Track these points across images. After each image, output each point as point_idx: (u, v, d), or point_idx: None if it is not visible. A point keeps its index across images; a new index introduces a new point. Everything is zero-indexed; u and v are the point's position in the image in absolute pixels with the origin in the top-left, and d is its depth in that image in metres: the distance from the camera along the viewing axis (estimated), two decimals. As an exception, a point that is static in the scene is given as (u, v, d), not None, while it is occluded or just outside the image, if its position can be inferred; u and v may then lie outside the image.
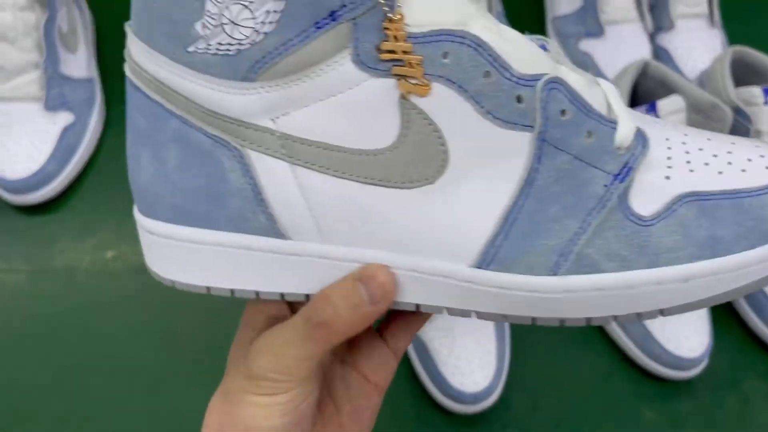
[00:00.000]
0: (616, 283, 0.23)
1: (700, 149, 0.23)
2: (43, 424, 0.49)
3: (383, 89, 0.21)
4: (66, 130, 0.58)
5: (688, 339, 0.50)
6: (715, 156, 0.23)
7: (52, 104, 0.57)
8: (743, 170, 0.23)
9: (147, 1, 0.21)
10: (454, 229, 0.23)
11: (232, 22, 0.20)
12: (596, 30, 0.64)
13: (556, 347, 0.53)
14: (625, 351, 0.52)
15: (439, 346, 0.49)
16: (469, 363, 0.48)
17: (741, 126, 0.49)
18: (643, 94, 0.53)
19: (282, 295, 0.24)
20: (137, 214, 0.26)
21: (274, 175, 0.22)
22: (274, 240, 0.23)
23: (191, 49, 0.21)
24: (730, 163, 0.23)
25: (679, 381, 0.51)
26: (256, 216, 0.23)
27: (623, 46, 0.64)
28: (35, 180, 0.55)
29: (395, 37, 0.20)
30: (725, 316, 0.54)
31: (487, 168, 0.22)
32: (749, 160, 0.23)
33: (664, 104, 0.48)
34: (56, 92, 0.58)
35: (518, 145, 0.22)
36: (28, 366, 0.51)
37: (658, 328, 0.50)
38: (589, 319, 0.23)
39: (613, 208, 0.22)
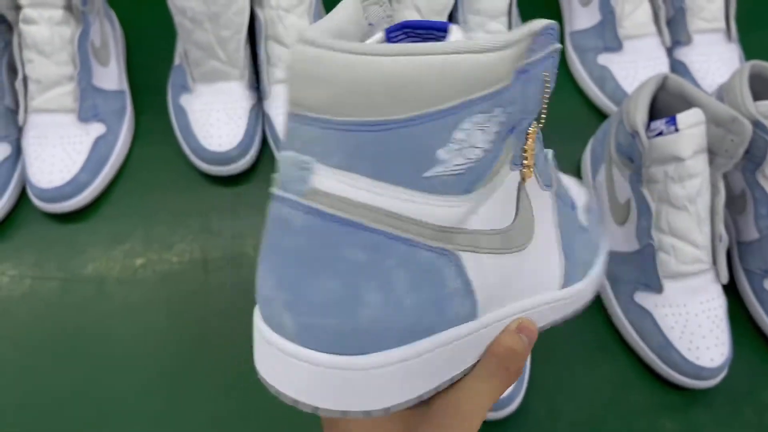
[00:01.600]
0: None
1: None
2: (72, 426, 0.50)
3: (516, 180, 0.26)
4: (98, 141, 0.59)
5: (708, 349, 0.50)
6: None
7: (85, 116, 0.59)
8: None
9: (382, 136, 0.21)
10: (546, 269, 0.30)
11: (472, 145, 0.22)
12: (615, 44, 0.65)
13: (576, 356, 0.53)
14: (644, 360, 0.53)
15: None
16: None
17: (760, 139, 0.50)
18: (662, 107, 0.54)
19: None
20: (322, 355, 0.24)
21: (473, 268, 0.24)
22: (473, 322, 0.25)
23: (428, 174, 0.22)
24: None
25: (698, 391, 0.52)
26: (465, 308, 0.25)
27: (641, 60, 0.65)
28: (68, 189, 0.57)
29: (531, 139, 0.26)
30: (745, 327, 0.55)
31: (543, 223, 0.29)
32: None
33: (683, 117, 0.49)
34: (89, 104, 0.59)
35: (550, 200, 0.30)
36: (59, 371, 0.52)
37: (677, 337, 0.51)
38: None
39: (581, 228, 0.33)
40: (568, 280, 0.31)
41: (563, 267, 0.30)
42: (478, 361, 0.27)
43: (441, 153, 0.22)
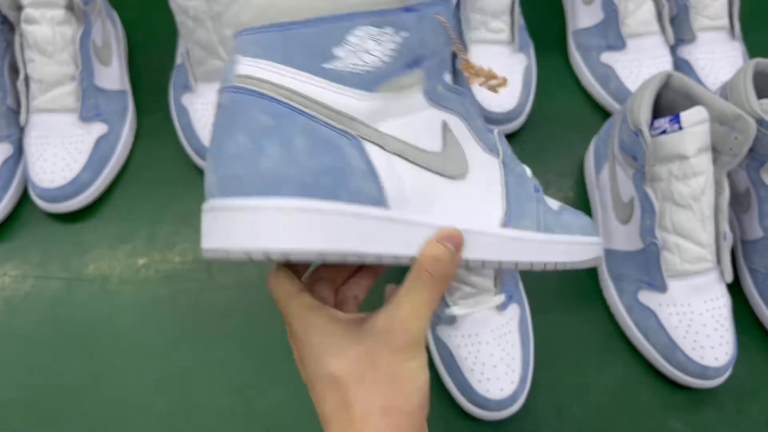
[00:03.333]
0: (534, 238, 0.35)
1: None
2: (78, 425, 0.50)
3: (436, 117, 0.33)
4: (100, 141, 0.59)
5: (712, 348, 0.50)
6: None
7: (86, 115, 0.59)
8: None
9: (287, 33, 0.29)
10: (484, 204, 0.34)
11: (367, 51, 0.29)
12: (618, 43, 0.65)
13: (580, 355, 0.53)
14: (649, 360, 0.53)
15: (465, 353, 0.49)
16: (494, 369, 0.49)
17: (764, 137, 0.50)
18: (666, 105, 0.54)
19: (380, 257, 0.30)
20: (235, 199, 0.29)
21: (380, 159, 0.30)
22: (383, 209, 0.30)
23: (327, 66, 0.29)
24: None
25: (704, 390, 0.51)
26: (370, 189, 0.29)
27: (644, 58, 0.65)
28: (70, 189, 0.57)
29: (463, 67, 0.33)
30: (749, 326, 0.54)
31: (486, 173, 0.35)
32: None
33: (687, 115, 0.48)
34: (91, 104, 0.59)
35: (495, 164, 0.35)
36: (63, 368, 0.52)
37: (681, 336, 0.50)
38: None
39: (539, 201, 0.36)
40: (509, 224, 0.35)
41: (504, 211, 0.34)
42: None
43: (337, 50, 0.29)
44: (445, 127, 0.33)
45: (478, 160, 0.34)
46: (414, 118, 0.32)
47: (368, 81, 0.29)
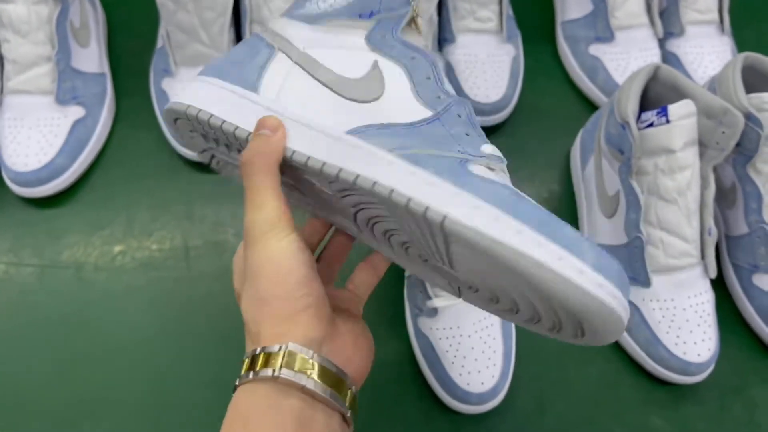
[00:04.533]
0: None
1: None
2: (48, 416, 0.49)
3: (369, 57, 0.35)
4: (76, 124, 0.58)
5: (695, 344, 0.49)
6: None
7: (63, 98, 0.57)
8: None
9: None
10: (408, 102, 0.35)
11: (325, 2, 0.37)
12: (606, 35, 0.64)
13: (562, 349, 0.53)
14: (631, 355, 0.52)
15: (446, 346, 0.49)
16: (475, 363, 0.48)
17: (752, 131, 0.49)
18: (653, 98, 0.53)
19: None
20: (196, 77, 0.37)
21: (279, 62, 0.35)
22: (252, 93, 0.34)
23: (297, 12, 0.37)
24: None
25: (686, 386, 0.51)
26: (252, 78, 0.35)
27: (633, 50, 0.64)
28: (45, 173, 0.56)
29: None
30: (733, 322, 0.54)
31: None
32: None
33: (675, 109, 0.48)
34: (68, 86, 0.58)
35: (426, 113, 0.33)
36: (34, 358, 0.51)
37: (664, 331, 0.50)
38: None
39: (468, 158, 0.32)
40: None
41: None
42: None
43: (307, 3, 0.37)
44: (375, 67, 0.34)
45: (399, 101, 0.34)
46: (345, 52, 0.35)
47: (316, 18, 0.36)
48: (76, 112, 0.58)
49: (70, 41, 0.58)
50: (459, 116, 0.32)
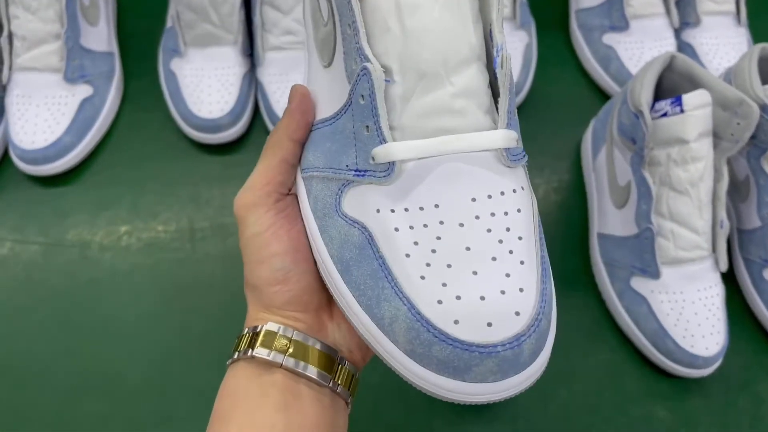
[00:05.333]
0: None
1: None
2: (52, 392, 0.49)
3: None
4: (84, 103, 0.57)
5: (703, 337, 0.49)
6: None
7: (71, 76, 0.57)
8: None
9: None
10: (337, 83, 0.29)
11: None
12: (621, 23, 0.63)
13: (569, 340, 0.52)
14: (637, 347, 0.52)
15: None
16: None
17: (766, 123, 0.48)
18: (668, 87, 0.52)
19: None
20: None
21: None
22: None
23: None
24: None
25: (693, 379, 0.51)
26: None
27: (648, 40, 0.63)
28: (52, 151, 0.55)
29: None
30: (742, 316, 0.54)
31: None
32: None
33: (689, 98, 0.47)
34: (76, 64, 0.57)
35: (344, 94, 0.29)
36: (38, 335, 0.51)
37: (672, 324, 0.50)
38: None
39: (350, 180, 0.28)
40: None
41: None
42: None
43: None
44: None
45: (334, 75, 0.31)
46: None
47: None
48: (84, 90, 0.58)
49: (79, 19, 0.58)
50: (362, 97, 0.27)
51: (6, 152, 0.58)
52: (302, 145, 0.32)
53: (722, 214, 0.50)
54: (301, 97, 0.31)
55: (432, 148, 0.26)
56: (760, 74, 0.51)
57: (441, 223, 0.26)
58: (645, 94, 0.49)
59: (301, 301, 0.31)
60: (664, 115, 0.48)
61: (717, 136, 0.49)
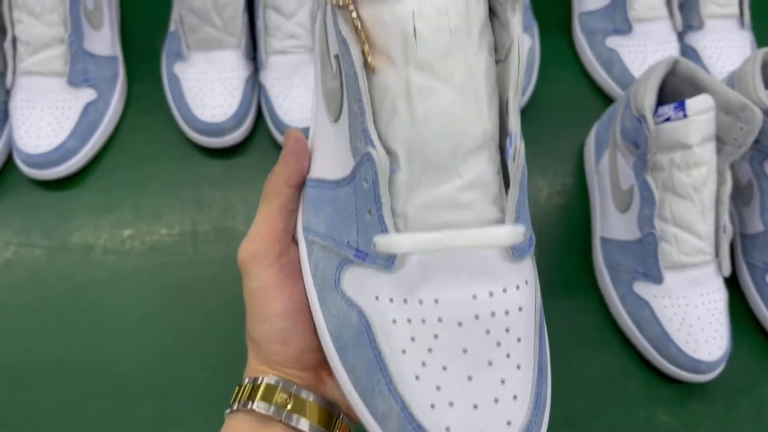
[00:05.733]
0: None
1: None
2: (55, 394, 0.49)
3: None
4: (88, 107, 0.58)
5: (706, 342, 0.49)
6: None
7: (75, 80, 0.57)
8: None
9: None
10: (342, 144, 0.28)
11: None
12: (624, 27, 0.63)
13: (572, 344, 0.52)
14: (641, 351, 0.52)
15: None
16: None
17: (770, 128, 0.48)
18: (671, 92, 0.52)
19: None
20: None
21: None
22: None
23: None
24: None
25: (695, 384, 0.51)
26: None
27: (651, 44, 0.63)
28: (56, 155, 0.55)
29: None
30: (745, 321, 0.54)
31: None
32: None
33: (692, 103, 0.47)
34: (80, 68, 0.57)
35: (349, 164, 0.27)
36: (42, 338, 0.51)
37: (675, 329, 0.49)
38: None
39: (351, 260, 0.27)
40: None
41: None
42: None
43: None
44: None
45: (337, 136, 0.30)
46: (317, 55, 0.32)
47: None
48: (88, 94, 0.58)
49: (83, 23, 0.58)
50: (365, 181, 0.26)
51: (10, 156, 0.58)
52: (300, 189, 0.31)
53: (725, 219, 0.50)
54: (296, 141, 0.31)
55: (435, 243, 0.25)
56: (763, 78, 0.51)
57: (439, 320, 0.25)
58: (648, 98, 0.49)
59: (301, 360, 0.30)
60: (667, 119, 0.48)
61: (720, 140, 0.49)
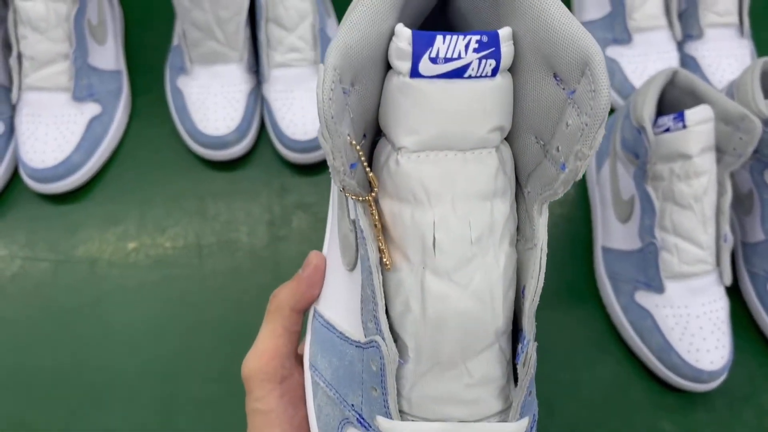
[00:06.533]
0: None
1: None
2: (62, 409, 0.50)
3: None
4: (93, 121, 0.58)
5: (708, 352, 0.49)
6: None
7: (80, 95, 0.58)
8: None
9: None
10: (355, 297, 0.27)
11: None
12: (624, 37, 0.64)
13: (574, 354, 0.52)
14: (643, 360, 0.52)
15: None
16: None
17: (770, 138, 0.48)
18: (670, 102, 0.52)
19: None
20: None
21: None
22: None
23: None
24: None
25: (698, 393, 0.51)
26: None
27: (651, 53, 0.63)
28: (61, 169, 0.56)
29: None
30: (747, 330, 0.54)
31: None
32: None
33: (692, 114, 0.47)
34: (84, 83, 0.58)
35: (347, 278, 0.28)
36: (48, 351, 0.52)
37: (677, 338, 0.50)
38: None
39: (353, 422, 0.27)
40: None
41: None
42: None
43: None
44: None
45: (335, 267, 0.30)
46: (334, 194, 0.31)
47: None
48: (93, 109, 0.59)
49: (87, 39, 0.59)
50: (373, 363, 0.25)
51: (16, 170, 0.59)
52: (303, 314, 0.32)
53: (726, 228, 0.50)
54: (314, 270, 0.31)
55: None
56: (762, 88, 0.51)
57: None
58: (647, 109, 0.49)
59: None
60: (667, 130, 0.49)
61: (720, 150, 0.49)
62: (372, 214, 0.24)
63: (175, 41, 0.62)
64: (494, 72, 0.22)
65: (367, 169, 0.24)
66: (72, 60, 0.57)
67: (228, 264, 0.55)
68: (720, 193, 0.50)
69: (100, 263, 0.55)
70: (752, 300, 0.54)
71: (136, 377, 0.51)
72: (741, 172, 0.52)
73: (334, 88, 0.21)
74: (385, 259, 0.24)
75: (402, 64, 0.22)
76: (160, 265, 0.56)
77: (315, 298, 0.31)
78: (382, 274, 0.25)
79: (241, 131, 0.58)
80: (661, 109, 0.52)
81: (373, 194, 0.24)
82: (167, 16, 0.64)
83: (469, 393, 0.25)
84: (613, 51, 0.64)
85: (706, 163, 0.48)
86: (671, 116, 0.49)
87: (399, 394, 0.25)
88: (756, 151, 0.50)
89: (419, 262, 0.24)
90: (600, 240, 0.56)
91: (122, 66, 0.63)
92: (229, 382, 0.50)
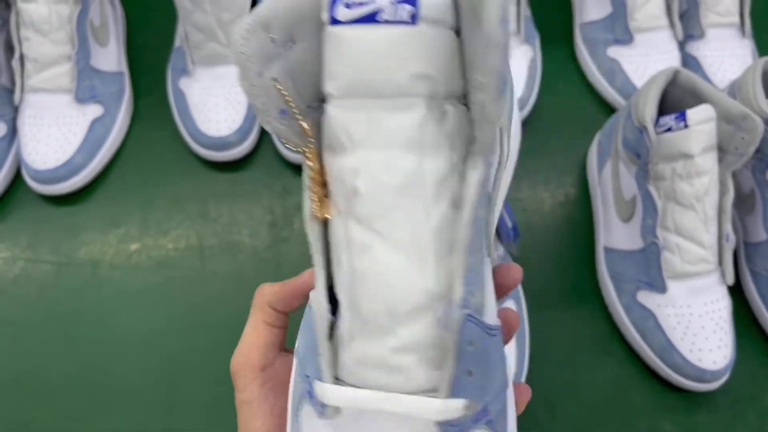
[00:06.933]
0: None
1: None
2: (64, 412, 0.50)
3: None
4: (95, 123, 0.58)
5: (711, 351, 0.49)
6: None
7: (82, 96, 0.58)
8: None
9: None
10: None
11: None
12: (625, 37, 0.64)
13: (576, 354, 0.52)
14: (645, 360, 0.52)
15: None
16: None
17: (771, 137, 0.48)
18: (672, 102, 0.52)
19: None
20: None
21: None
22: None
23: None
24: None
25: (700, 393, 0.51)
26: None
27: (652, 53, 0.63)
28: (63, 171, 0.56)
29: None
30: (749, 329, 0.54)
31: None
32: None
33: (693, 113, 0.47)
34: (87, 85, 0.58)
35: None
36: (50, 353, 0.52)
37: (679, 338, 0.50)
38: None
39: (305, 395, 0.26)
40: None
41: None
42: None
43: None
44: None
45: None
46: None
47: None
48: (95, 110, 0.59)
49: (89, 40, 0.59)
50: (309, 327, 0.25)
51: (18, 172, 0.59)
52: (286, 314, 0.32)
53: (728, 228, 0.50)
54: (302, 284, 0.31)
55: (362, 402, 0.23)
56: (764, 88, 0.51)
57: None
58: (649, 109, 0.49)
59: None
60: (669, 130, 0.49)
61: (722, 150, 0.49)
62: (308, 164, 0.24)
63: (177, 43, 0.62)
64: (413, 18, 0.21)
65: (299, 117, 0.23)
66: (74, 62, 0.57)
67: (230, 266, 0.55)
68: (722, 193, 0.50)
69: (102, 265, 0.56)
70: (754, 299, 0.54)
71: (139, 378, 0.51)
72: (743, 172, 0.52)
73: (252, 30, 0.22)
74: (314, 211, 0.24)
75: (324, 14, 0.22)
76: (162, 266, 0.56)
77: (294, 309, 0.31)
78: (324, 229, 0.24)
79: (242, 132, 0.58)
80: (663, 109, 0.52)
81: (311, 145, 0.24)
82: (169, 18, 0.64)
83: (393, 358, 0.23)
84: (615, 51, 0.64)
85: (708, 162, 0.48)
86: (673, 116, 0.49)
87: (338, 360, 0.24)
88: (758, 151, 0.50)
89: (346, 212, 0.23)
90: (602, 240, 0.56)
91: (124, 67, 0.64)
92: (231, 384, 0.50)
